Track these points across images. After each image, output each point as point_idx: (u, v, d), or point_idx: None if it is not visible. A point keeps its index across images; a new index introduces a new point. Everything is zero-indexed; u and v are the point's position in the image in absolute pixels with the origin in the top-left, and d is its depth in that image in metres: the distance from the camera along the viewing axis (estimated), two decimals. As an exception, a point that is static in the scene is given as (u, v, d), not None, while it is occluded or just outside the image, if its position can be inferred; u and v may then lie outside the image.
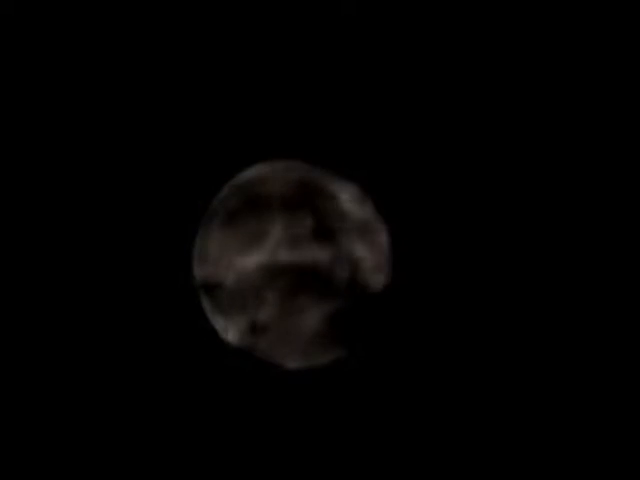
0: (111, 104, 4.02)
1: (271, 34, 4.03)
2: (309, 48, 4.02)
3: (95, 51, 4.03)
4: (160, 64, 4.03)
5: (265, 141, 4.00)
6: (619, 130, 4.03)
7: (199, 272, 3.90)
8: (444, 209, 4.01)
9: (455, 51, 4.02)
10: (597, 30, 4.01)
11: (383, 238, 3.91)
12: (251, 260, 3.76)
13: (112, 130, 4.02)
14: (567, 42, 4.03)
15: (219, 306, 3.86)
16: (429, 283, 3.98)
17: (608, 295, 3.99)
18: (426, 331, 3.97)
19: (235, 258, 3.80)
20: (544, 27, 4.03)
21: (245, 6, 4.04)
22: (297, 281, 3.72)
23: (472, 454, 3.97)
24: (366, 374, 3.96)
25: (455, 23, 4.02)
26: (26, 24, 4.03)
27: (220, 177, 3.97)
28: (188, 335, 3.95)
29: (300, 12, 4.02)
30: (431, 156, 4.02)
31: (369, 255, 3.85)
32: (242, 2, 4.04)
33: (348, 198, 3.88)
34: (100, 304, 3.97)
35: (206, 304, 3.91)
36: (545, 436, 3.97)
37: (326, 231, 3.75)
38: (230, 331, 3.87)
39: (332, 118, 3.99)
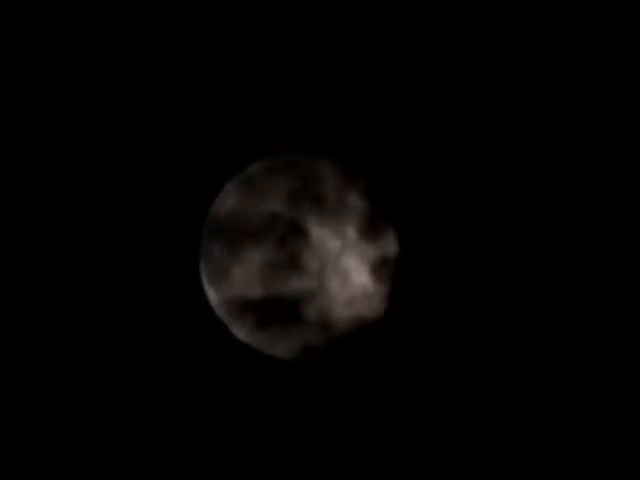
0: (110, 103, 4.02)
1: (273, 33, 4.05)
2: (315, 44, 4.03)
3: (95, 51, 4.03)
4: (161, 64, 4.03)
5: (271, 137, 4.02)
6: (619, 130, 4.06)
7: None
8: (449, 206, 4.01)
9: (458, 51, 4.03)
10: (597, 30, 4.04)
11: (389, 235, 3.93)
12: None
13: (113, 128, 4.03)
14: (567, 42, 4.05)
15: (224, 301, 3.90)
16: (434, 280, 4.00)
17: (618, 304, 4.03)
18: (431, 331, 4.01)
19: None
20: (544, 27, 4.04)
21: (250, 5, 4.04)
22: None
23: (466, 454, 4.02)
24: (365, 365, 4.01)
25: (456, 22, 4.03)
26: (26, 24, 4.02)
27: (229, 167, 4.00)
28: (193, 327, 3.99)
29: (303, 11, 4.03)
30: (437, 154, 4.03)
31: (375, 254, 3.86)
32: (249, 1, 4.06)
33: (355, 195, 3.89)
34: (106, 299, 4.00)
35: (212, 299, 3.94)
36: (545, 442, 4.02)
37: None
38: (235, 326, 3.90)
39: (339, 116, 4.01)
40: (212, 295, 3.92)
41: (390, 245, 3.91)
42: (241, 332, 3.89)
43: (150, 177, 4.02)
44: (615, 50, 4.02)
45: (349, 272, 3.82)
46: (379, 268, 3.87)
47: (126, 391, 3.98)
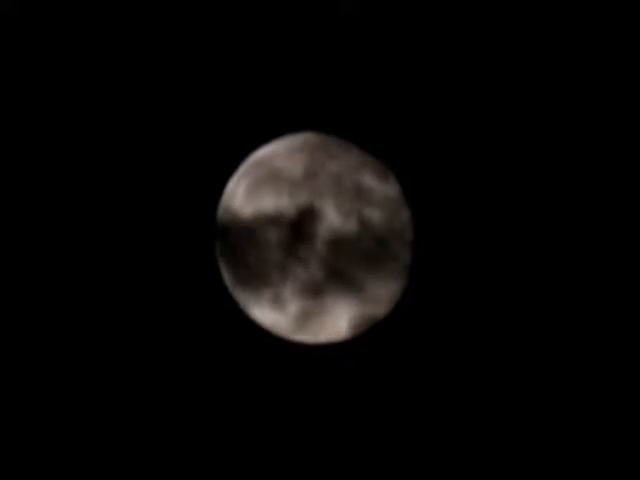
0: (120, 88, 4.05)
1: (275, 25, 4.06)
2: (314, 42, 4.04)
3: (103, 37, 4.05)
4: (170, 59, 4.05)
5: (286, 117, 4.02)
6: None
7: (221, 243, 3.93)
8: (466, 184, 4.01)
9: (459, 49, 4.01)
10: (597, 30, 4.01)
11: (406, 215, 3.89)
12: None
13: (124, 113, 4.05)
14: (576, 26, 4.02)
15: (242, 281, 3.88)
16: (450, 262, 3.99)
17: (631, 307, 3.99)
18: (448, 312, 3.98)
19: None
20: (539, 14, 4.02)
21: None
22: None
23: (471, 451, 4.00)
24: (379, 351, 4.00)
25: (457, 19, 4.02)
26: (26, 24, 4.04)
27: (245, 147, 4.01)
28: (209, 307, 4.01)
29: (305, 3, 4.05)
30: (439, 153, 4.02)
31: (390, 232, 3.82)
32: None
33: (371, 175, 3.85)
34: (122, 283, 4.04)
35: (228, 279, 3.93)
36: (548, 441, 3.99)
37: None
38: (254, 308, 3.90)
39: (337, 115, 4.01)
40: (227, 276, 3.91)
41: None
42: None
43: (170, 155, 4.05)
44: (615, 50, 4.00)
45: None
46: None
47: (144, 372, 4.03)
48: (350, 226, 3.71)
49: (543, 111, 3.99)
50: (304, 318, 3.78)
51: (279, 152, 3.88)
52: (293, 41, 4.03)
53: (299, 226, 3.71)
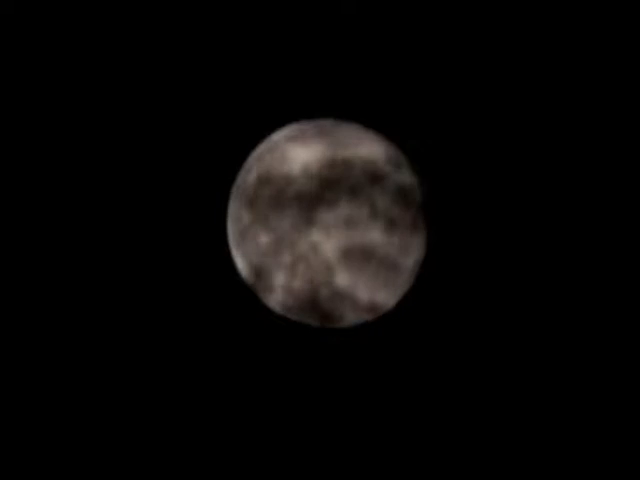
0: (130, 76, 4.07)
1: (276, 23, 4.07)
2: (313, 41, 4.06)
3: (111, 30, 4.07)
4: (170, 63, 4.06)
5: (298, 102, 4.03)
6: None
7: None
8: (480, 168, 4.01)
9: (458, 48, 4.02)
10: (598, 30, 4.01)
11: (419, 200, 3.89)
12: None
13: (137, 100, 4.07)
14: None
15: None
16: (463, 246, 3.99)
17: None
18: (462, 294, 3.98)
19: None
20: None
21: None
22: None
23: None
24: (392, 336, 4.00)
25: (456, 19, 4.03)
26: (26, 24, 4.05)
27: (256, 135, 4.01)
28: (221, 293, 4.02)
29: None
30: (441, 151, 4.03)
31: (403, 218, 3.80)
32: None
33: (384, 161, 3.83)
34: (132, 266, 4.07)
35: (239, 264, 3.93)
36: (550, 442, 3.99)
37: None
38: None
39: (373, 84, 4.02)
40: (239, 261, 3.90)
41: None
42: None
43: (177, 143, 4.06)
44: (615, 50, 4.00)
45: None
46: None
47: (154, 358, 4.05)
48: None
49: (560, 105, 4.00)
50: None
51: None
52: (295, 39, 4.05)
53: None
